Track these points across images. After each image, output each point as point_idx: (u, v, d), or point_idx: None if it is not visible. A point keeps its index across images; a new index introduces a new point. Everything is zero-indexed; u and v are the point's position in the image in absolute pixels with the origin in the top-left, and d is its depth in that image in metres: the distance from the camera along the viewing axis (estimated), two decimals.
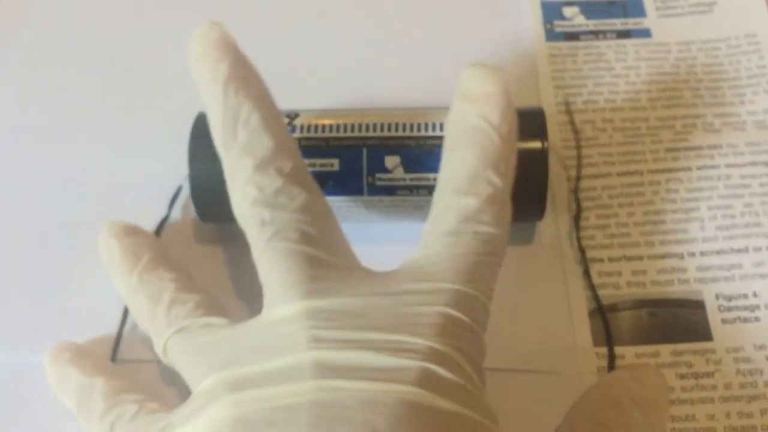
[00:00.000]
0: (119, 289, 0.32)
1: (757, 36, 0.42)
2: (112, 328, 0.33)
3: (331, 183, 0.33)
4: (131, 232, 0.32)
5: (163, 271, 0.31)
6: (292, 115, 0.34)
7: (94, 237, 0.33)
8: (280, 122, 0.30)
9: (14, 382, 0.33)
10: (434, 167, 0.32)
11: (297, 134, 0.33)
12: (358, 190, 0.33)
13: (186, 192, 0.36)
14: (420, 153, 0.33)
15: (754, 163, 0.37)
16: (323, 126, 0.33)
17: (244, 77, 0.29)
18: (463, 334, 0.26)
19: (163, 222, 0.36)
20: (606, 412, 0.27)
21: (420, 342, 0.25)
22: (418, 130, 0.33)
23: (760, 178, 0.36)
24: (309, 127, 0.33)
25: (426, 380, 0.24)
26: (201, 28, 0.30)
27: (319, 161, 0.33)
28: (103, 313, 0.34)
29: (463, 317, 0.26)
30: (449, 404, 0.24)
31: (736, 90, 0.40)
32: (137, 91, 0.41)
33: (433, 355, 0.24)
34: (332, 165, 0.33)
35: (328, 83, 0.40)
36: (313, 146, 0.33)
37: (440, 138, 0.32)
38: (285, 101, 0.34)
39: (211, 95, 0.29)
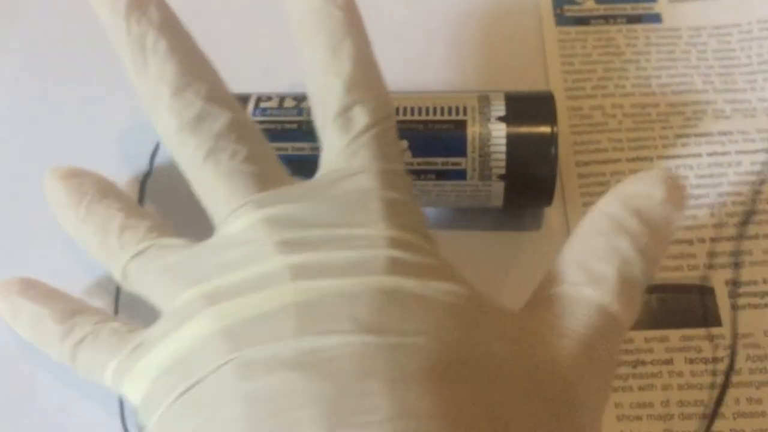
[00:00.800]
0: (67, 228, 0.32)
1: None
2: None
3: None
4: (76, 173, 0.33)
5: (110, 201, 0.31)
6: (300, 98, 0.34)
7: None
8: (188, 44, 0.30)
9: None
10: (443, 151, 0.33)
11: (304, 117, 0.34)
12: None
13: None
14: (428, 137, 0.33)
15: (765, 150, 0.37)
16: None
17: (144, 4, 0.29)
18: (404, 211, 0.27)
19: (146, 178, 0.37)
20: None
21: (374, 233, 0.26)
22: (427, 113, 0.33)
23: None
24: None
25: (393, 266, 0.25)
26: None
27: None
28: (84, 272, 0.35)
29: (396, 195, 0.28)
30: (420, 283, 0.25)
31: (747, 76, 0.40)
32: None
33: (391, 242, 0.26)
34: None
35: None
36: None
37: (450, 122, 0.33)
38: (293, 85, 0.35)
39: (114, 30, 0.29)
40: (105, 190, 0.32)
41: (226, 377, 0.24)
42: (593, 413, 0.26)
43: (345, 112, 0.28)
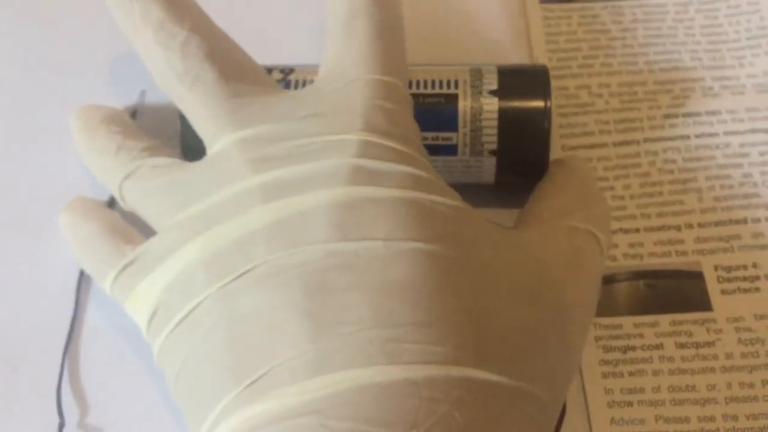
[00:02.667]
0: (84, 159, 0.35)
1: None
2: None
3: None
4: (91, 109, 0.35)
5: (113, 126, 0.34)
6: (287, 71, 0.35)
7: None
8: None
9: None
10: (434, 126, 0.34)
11: (291, 90, 0.35)
12: None
13: None
14: (419, 111, 0.33)
15: (753, 131, 0.39)
16: None
17: None
18: (394, 120, 0.30)
19: None
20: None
21: (348, 138, 0.28)
22: (417, 87, 0.35)
23: (759, 146, 0.38)
24: (305, 82, 0.35)
25: (359, 175, 0.28)
26: None
27: None
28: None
29: (387, 104, 0.30)
30: (395, 191, 0.27)
31: (735, 52, 0.42)
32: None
33: (363, 148, 0.28)
34: None
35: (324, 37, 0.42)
36: None
37: (441, 96, 0.34)
38: (280, 56, 0.36)
39: None
40: (112, 117, 0.35)
41: (212, 305, 0.27)
42: (581, 318, 0.30)
43: (351, 21, 0.32)
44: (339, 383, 0.24)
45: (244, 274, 0.26)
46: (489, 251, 0.28)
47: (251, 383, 0.25)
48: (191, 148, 0.34)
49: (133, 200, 0.32)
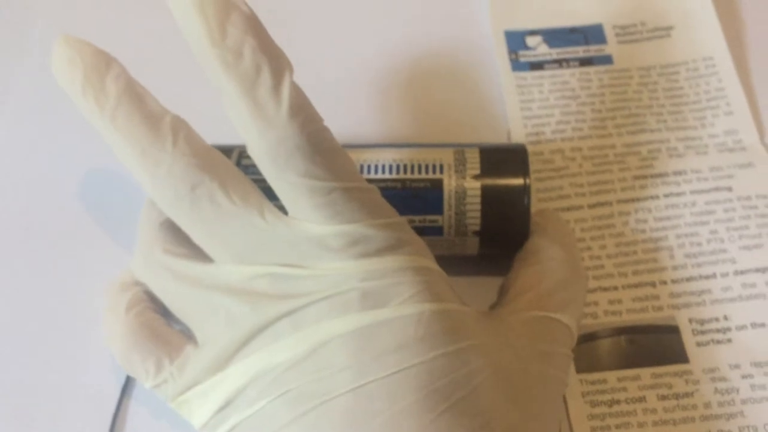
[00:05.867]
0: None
1: (714, 59, 0.48)
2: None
3: None
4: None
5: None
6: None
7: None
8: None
9: None
10: (420, 210, 0.37)
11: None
12: None
13: None
14: (406, 196, 0.37)
15: (717, 189, 0.43)
16: None
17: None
18: (382, 229, 0.32)
19: None
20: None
21: (350, 271, 0.31)
22: (404, 171, 0.37)
23: (723, 203, 0.42)
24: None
25: (367, 300, 0.31)
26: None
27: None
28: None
29: (380, 220, 0.32)
30: (396, 311, 0.31)
31: (697, 113, 0.46)
32: None
33: (366, 274, 0.31)
34: None
35: None
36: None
37: (427, 180, 0.37)
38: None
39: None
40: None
41: (258, 423, 0.31)
42: (552, 403, 0.33)
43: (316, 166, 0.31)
44: None
45: (279, 396, 0.30)
46: (484, 376, 0.30)
47: None
48: None
49: (169, 297, 0.34)
